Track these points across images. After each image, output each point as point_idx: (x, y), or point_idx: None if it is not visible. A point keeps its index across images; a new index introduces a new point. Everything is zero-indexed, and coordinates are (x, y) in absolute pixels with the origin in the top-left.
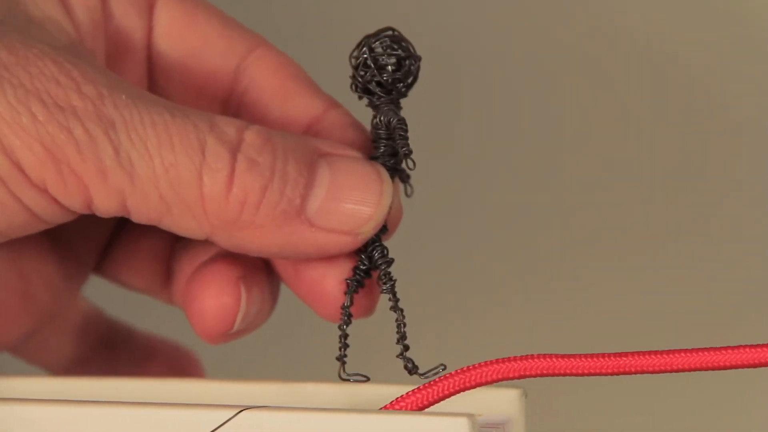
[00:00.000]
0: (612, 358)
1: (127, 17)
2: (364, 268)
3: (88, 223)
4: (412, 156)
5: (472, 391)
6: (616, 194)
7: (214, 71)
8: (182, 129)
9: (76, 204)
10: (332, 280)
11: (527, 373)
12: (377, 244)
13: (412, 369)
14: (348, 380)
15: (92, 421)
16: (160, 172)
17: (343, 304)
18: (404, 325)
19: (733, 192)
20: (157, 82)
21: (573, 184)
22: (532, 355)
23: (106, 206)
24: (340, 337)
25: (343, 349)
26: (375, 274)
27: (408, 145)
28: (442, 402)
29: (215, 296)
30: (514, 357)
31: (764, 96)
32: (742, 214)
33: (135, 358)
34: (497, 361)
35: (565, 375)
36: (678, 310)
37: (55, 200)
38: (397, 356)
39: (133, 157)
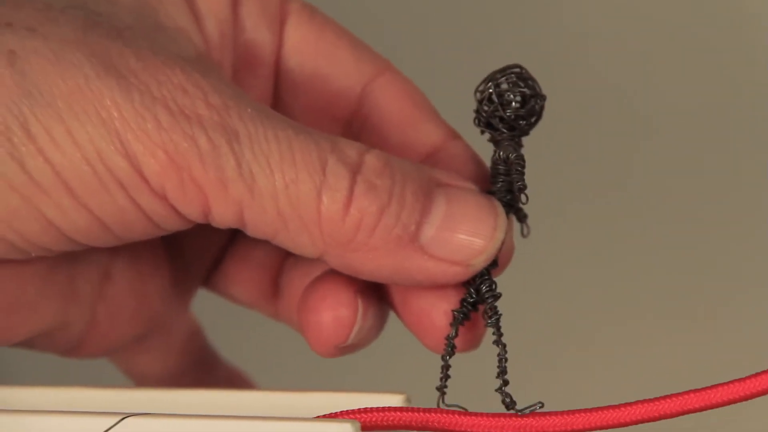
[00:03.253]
0: (514, 419)
1: (258, 31)
2: (471, 300)
3: (202, 234)
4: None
5: (357, 395)
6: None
7: (340, 92)
8: (305, 146)
9: (194, 213)
10: (440, 312)
11: (429, 425)
12: (486, 277)
13: (509, 404)
14: None
15: None
16: (280, 187)
17: (448, 335)
18: (506, 360)
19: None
20: (282, 98)
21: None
22: (436, 409)
23: (223, 217)
24: (442, 367)
25: (444, 380)
26: (482, 308)
27: (523, 179)
28: (331, 404)
29: (333, 308)
30: (419, 408)
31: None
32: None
33: (219, 386)
34: (401, 409)
35: None
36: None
37: (174, 208)
38: (496, 390)
39: (255, 170)
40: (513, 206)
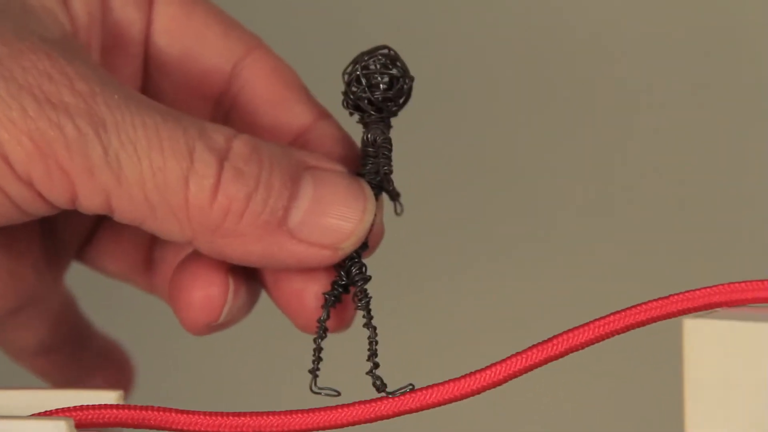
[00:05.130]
0: (228, 417)
1: (126, 11)
2: (342, 283)
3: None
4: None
5: (73, 392)
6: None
7: (210, 71)
8: (172, 133)
9: (60, 200)
10: (311, 294)
11: (144, 423)
12: (356, 260)
13: (380, 387)
14: (319, 393)
15: None
16: (147, 175)
17: (320, 317)
18: (376, 342)
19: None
20: (152, 77)
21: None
22: (151, 407)
23: (90, 204)
24: (314, 350)
25: (316, 363)
26: (353, 289)
27: (390, 164)
28: (47, 402)
29: (204, 287)
30: (134, 405)
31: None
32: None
33: (94, 358)
34: (117, 406)
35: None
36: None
37: (40, 195)
38: (367, 373)
39: (122, 157)
40: (382, 187)
